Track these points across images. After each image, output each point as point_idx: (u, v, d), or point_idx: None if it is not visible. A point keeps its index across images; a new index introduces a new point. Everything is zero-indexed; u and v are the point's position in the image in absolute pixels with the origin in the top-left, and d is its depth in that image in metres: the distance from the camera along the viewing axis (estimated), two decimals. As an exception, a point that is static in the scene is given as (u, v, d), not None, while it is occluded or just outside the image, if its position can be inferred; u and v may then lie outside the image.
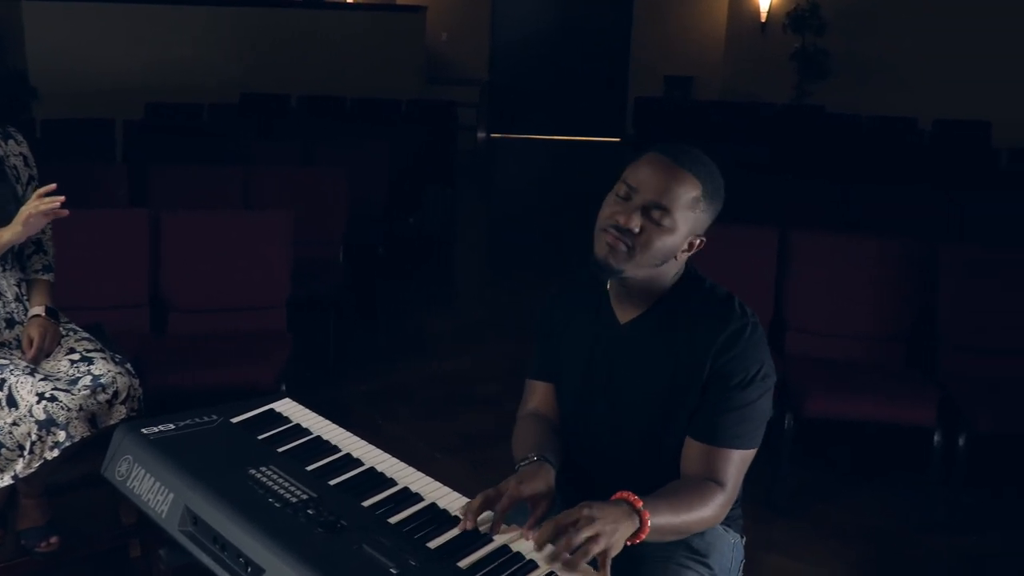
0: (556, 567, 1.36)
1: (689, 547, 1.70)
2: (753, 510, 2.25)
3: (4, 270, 2.27)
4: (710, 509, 1.55)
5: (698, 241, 1.64)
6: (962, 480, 3.09)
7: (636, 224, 1.57)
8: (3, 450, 2.06)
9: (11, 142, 2.35)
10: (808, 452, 3.39)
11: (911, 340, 3.43)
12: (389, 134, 6.34)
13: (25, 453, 2.05)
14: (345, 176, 4.53)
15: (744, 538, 1.86)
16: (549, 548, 1.38)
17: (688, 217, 1.59)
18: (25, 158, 2.36)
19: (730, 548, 1.79)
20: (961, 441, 3.01)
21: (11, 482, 2.08)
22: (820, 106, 9.23)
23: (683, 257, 1.64)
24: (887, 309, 3.42)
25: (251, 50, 9.55)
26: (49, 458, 2.05)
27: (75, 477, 2.68)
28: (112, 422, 2.16)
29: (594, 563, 1.36)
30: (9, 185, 2.26)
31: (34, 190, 2.37)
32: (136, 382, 2.21)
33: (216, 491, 1.53)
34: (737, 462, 1.60)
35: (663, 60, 12.28)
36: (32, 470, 2.06)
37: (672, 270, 1.66)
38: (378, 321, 5.13)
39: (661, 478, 1.62)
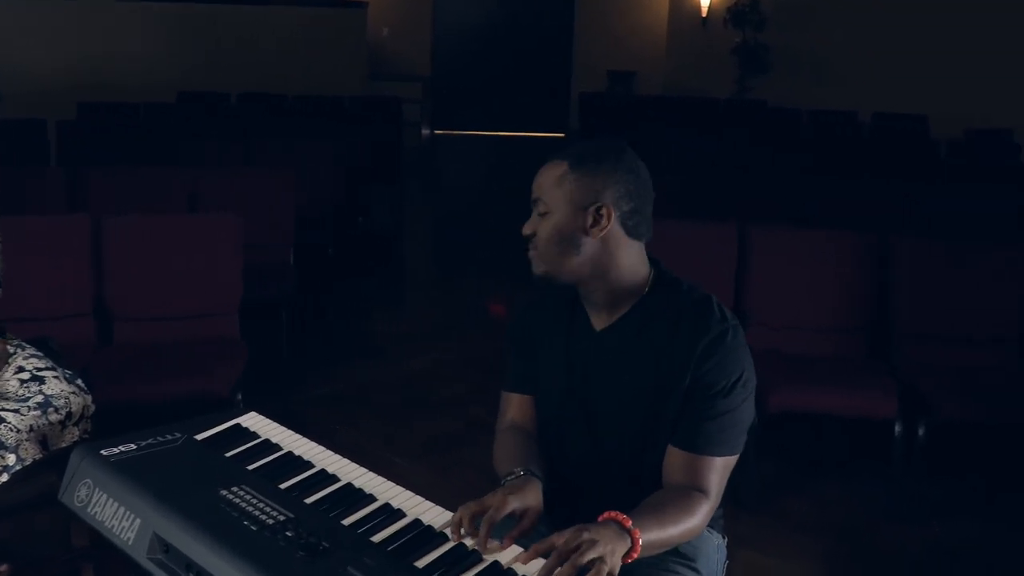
0: None
1: (677, 552, 1.66)
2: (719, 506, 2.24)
3: (-57, 283, 2.14)
4: (697, 519, 1.52)
5: (604, 210, 1.57)
6: (924, 469, 3.13)
7: (531, 228, 1.63)
8: (-53, 475, 1.94)
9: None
10: (771, 446, 3.40)
11: (870, 332, 3.47)
12: (334, 132, 6.23)
13: (-29, 478, 1.93)
14: (293, 177, 4.42)
15: (726, 538, 1.84)
16: (550, 566, 1.31)
17: (557, 194, 1.59)
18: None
19: (715, 550, 1.77)
20: (921, 431, 3.04)
21: (-44, 509, 1.96)
22: (762, 100, 9.35)
23: (596, 233, 1.58)
24: (846, 302, 3.45)
25: (188, 47, 9.32)
26: (-4, 483, 1.94)
27: (21, 499, 2.55)
28: (64, 444, 2.04)
29: None
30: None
31: None
32: (89, 399, 2.10)
33: (187, 515, 1.44)
34: (720, 469, 1.57)
35: (606, 55, 12.32)
36: (-20, 495, 1.95)
37: (617, 258, 1.60)
38: (330, 324, 5.03)
39: (644, 485, 1.59)
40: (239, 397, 3.05)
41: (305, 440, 1.79)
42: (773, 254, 3.51)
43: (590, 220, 1.58)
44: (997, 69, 8.96)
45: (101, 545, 2.46)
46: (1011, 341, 3.40)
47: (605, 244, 1.59)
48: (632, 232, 1.60)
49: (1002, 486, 3.44)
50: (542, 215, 1.60)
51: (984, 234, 3.97)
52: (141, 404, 2.90)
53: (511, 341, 1.81)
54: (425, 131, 11.90)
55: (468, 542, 1.42)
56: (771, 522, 3.11)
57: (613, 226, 1.58)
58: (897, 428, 3.07)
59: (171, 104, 7.77)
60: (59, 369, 2.14)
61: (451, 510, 1.50)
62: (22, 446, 1.94)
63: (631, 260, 1.62)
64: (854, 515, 3.20)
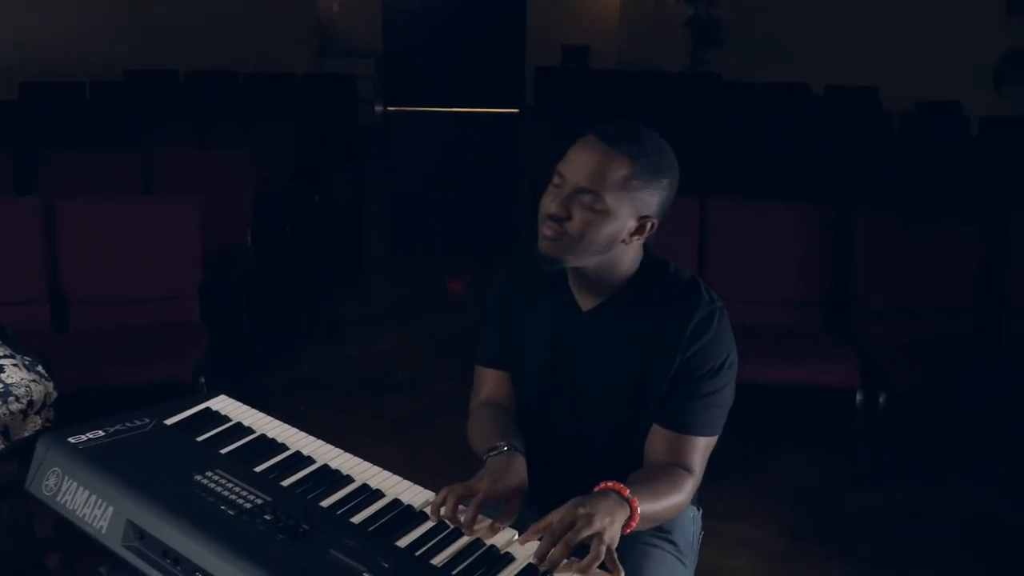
0: (568, 573, 1.29)
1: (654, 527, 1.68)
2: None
3: None
4: (683, 495, 1.53)
5: (649, 224, 1.55)
6: (883, 437, 3.20)
7: (564, 211, 1.50)
8: (-94, 468, 1.88)
9: None
10: (734, 418, 3.43)
11: (830, 305, 3.52)
12: (287, 110, 6.14)
13: (-69, 470, 1.88)
14: (250, 158, 4.34)
15: (700, 510, 1.86)
16: (542, 550, 1.30)
17: (623, 198, 1.50)
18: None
19: (691, 521, 1.79)
20: (881, 400, 3.11)
21: (-84, 502, 1.91)
22: (717, 74, 9.40)
23: (635, 241, 1.56)
24: (806, 275, 3.50)
25: (132, 23, 9.05)
26: (-41, 474, 1.89)
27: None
28: (26, 434, 2.00)
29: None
30: None
31: None
32: (51, 387, 2.05)
33: (161, 501, 1.42)
34: (703, 448, 1.59)
35: (559, 30, 12.29)
36: (-60, 488, 1.90)
37: (628, 256, 1.59)
38: (290, 307, 4.97)
39: (626, 465, 1.59)
40: (202, 381, 3.01)
41: (278, 422, 1.77)
42: (733, 228, 3.53)
43: (634, 228, 1.54)
44: (945, 42, 9.10)
45: (66, 534, 2.43)
46: (966, 312, 3.47)
47: (628, 245, 1.57)
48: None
49: (955, 451, 3.54)
50: (590, 209, 1.49)
51: (938, 207, 4.04)
52: (102, 390, 2.84)
53: (488, 316, 1.77)
54: (378, 108, 11.77)
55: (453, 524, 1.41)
56: (739, 491, 3.16)
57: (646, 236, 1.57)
58: (858, 398, 3.13)
59: (118, 82, 7.57)
60: (18, 357, 2.09)
61: (432, 491, 1.50)
62: (-17, 436, 1.90)
63: (635, 252, 1.61)
64: (816, 482, 3.27)
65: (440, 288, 5.59)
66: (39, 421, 2.03)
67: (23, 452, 2.05)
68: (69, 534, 2.33)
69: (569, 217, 1.50)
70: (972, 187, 4.57)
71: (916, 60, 9.04)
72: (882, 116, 7.00)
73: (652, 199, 1.54)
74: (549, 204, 1.52)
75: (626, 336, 1.61)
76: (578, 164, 1.51)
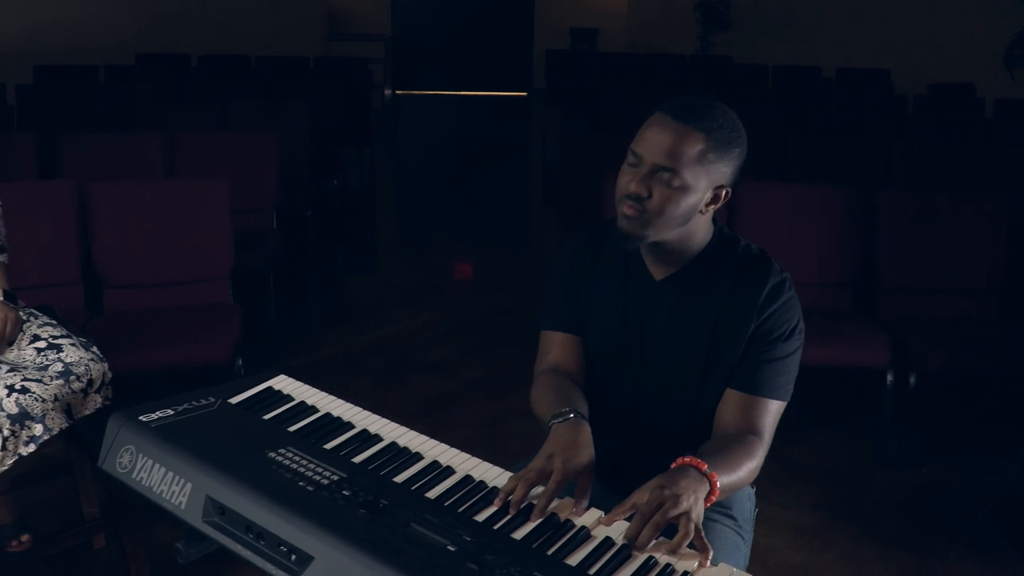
0: (657, 553, 1.31)
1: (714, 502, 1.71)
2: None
3: (-47, 252, 2.09)
4: (756, 461, 1.56)
5: (724, 193, 1.60)
6: (912, 417, 3.24)
7: (644, 190, 1.55)
8: (-29, 447, 1.90)
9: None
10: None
11: (856, 285, 3.54)
12: (303, 93, 6.13)
13: (-3, 449, 1.90)
14: (273, 140, 4.35)
15: (755, 487, 1.89)
16: (633, 531, 1.33)
17: (699, 172, 1.55)
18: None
19: (748, 498, 1.82)
20: (912, 380, 3.13)
21: (-19, 481, 1.94)
22: (727, 56, 9.38)
23: (710, 211, 1.61)
24: (831, 256, 3.52)
25: (143, 8, 9.04)
26: (24, 454, 1.90)
27: (27, 471, 2.52)
28: (87, 412, 2.02)
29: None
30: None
31: None
32: (106, 366, 2.07)
33: (240, 478, 1.44)
34: (774, 413, 1.63)
35: (567, 12, 12.25)
36: (5, 468, 1.92)
37: (703, 226, 1.64)
38: (312, 289, 4.99)
39: (691, 433, 1.63)
40: (239, 363, 3.03)
41: (340, 401, 1.80)
42: (759, 210, 3.55)
43: (709, 199, 1.58)
44: (957, 24, 9.09)
45: (112, 515, 2.45)
46: (991, 292, 3.50)
47: (704, 216, 1.61)
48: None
49: (984, 431, 3.57)
50: (669, 186, 1.54)
51: (955, 188, 4.06)
52: (140, 373, 2.86)
53: (556, 282, 1.80)
54: (387, 91, 11.74)
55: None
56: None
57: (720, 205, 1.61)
58: (889, 378, 3.16)
59: (130, 66, 7.55)
60: (74, 336, 2.11)
61: (492, 465, 1.53)
62: (48, 415, 1.92)
63: (708, 223, 1.65)
64: (845, 462, 3.30)
65: (448, 272, 5.62)
66: (99, 400, 2.05)
67: (71, 433, 2.07)
68: (114, 514, 2.37)
69: (649, 195, 1.54)
70: (988, 169, 4.59)
71: (929, 42, 9.03)
72: (895, 99, 6.99)
73: (726, 169, 1.58)
74: (628, 184, 1.56)
75: (700, 304, 1.65)
76: (653, 143, 1.54)
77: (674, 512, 1.32)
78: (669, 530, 1.34)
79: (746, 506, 1.79)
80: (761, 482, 3.08)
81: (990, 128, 5.77)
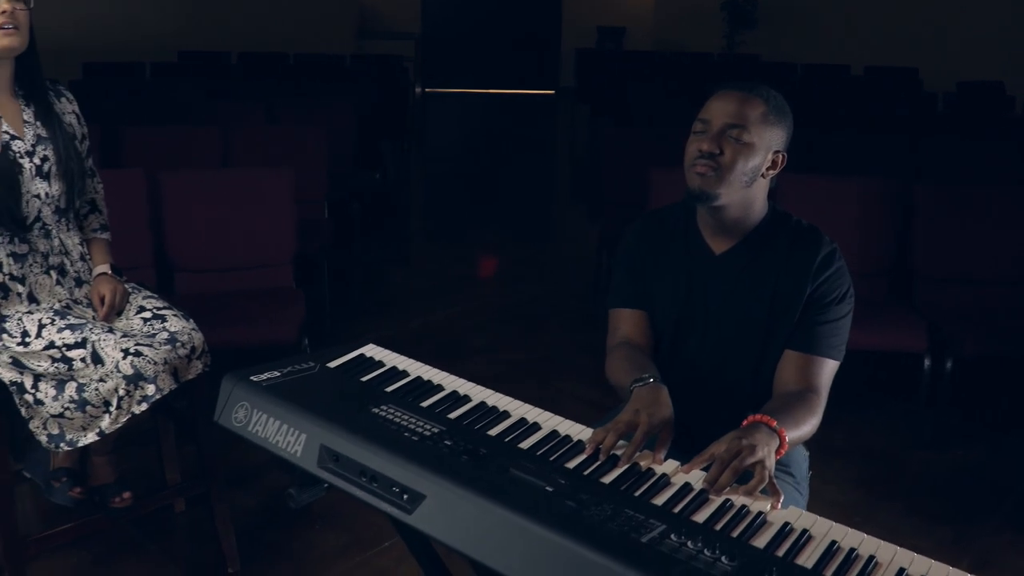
0: (733, 496, 1.44)
1: (773, 460, 1.85)
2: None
3: (67, 229, 2.26)
4: (817, 418, 1.71)
5: (780, 157, 1.77)
6: (947, 401, 3.36)
7: (717, 147, 1.72)
8: (88, 407, 2.07)
9: (63, 100, 2.33)
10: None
11: (891, 274, 3.67)
12: (342, 90, 6.30)
13: (112, 409, 2.07)
14: (322, 134, 4.52)
15: (808, 452, 2.03)
16: (713, 475, 1.46)
17: (763, 131, 1.74)
18: (77, 116, 2.35)
19: (803, 459, 1.96)
20: (948, 365, 3.26)
21: (96, 439, 2.10)
22: (755, 55, 9.49)
23: (770, 175, 1.78)
24: (868, 246, 3.64)
25: (184, 7, 9.26)
26: (137, 412, 2.07)
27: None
28: (191, 376, 2.19)
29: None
30: (69, 140, 2.24)
31: (87, 148, 2.35)
32: (202, 336, 2.24)
33: (351, 429, 1.59)
34: (830, 371, 1.77)
35: (595, 11, 12.38)
36: (119, 425, 2.09)
37: (761, 196, 1.80)
38: (355, 277, 5.16)
39: (757, 398, 1.76)
40: (305, 342, 3.20)
41: (427, 366, 1.95)
42: (795, 200, 3.66)
43: (769, 163, 1.76)
44: (985, 21, 9.15)
45: (194, 479, 2.62)
46: (1024, 280, 3.62)
47: (764, 181, 1.77)
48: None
49: (1019, 415, 3.69)
50: (738, 142, 1.71)
51: (986, 182, 4.16)
52: (216, 349, 3.02)
53: (621, 263, 1.96)
54: (417, 89, 11.92)
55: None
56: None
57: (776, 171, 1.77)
58: (926, 362, 3.29)
59: (174, 63, 7.76)
60: (174, 308, 2.28)
61: (575, 422, 1.67)
62: (159, 377, 2.09)
63: (764, 195, 1.81)
64: (883, 442, 3.43)
65: (483, 265, 5.78)
66: (199, 365, 2.21)
67: (159, 404, 2.23)
68: (205, 480, 2.53)
69: (721, 152, 1.72)
70: (1017, 164, 4.68)
71: (957, 41, 9.10)
72: (926, 96, 7.08)
73: (782, 134, 1.78)
74: (700, 144, 1.74)
75: (758, 273, 1.80)
76: (721, 108, 1.74)
77: (750, 460, 1.46)
78: (743, 478, 1.49)
79: (802, 466, 1.93)
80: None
81: (1019, 125, 5.86)
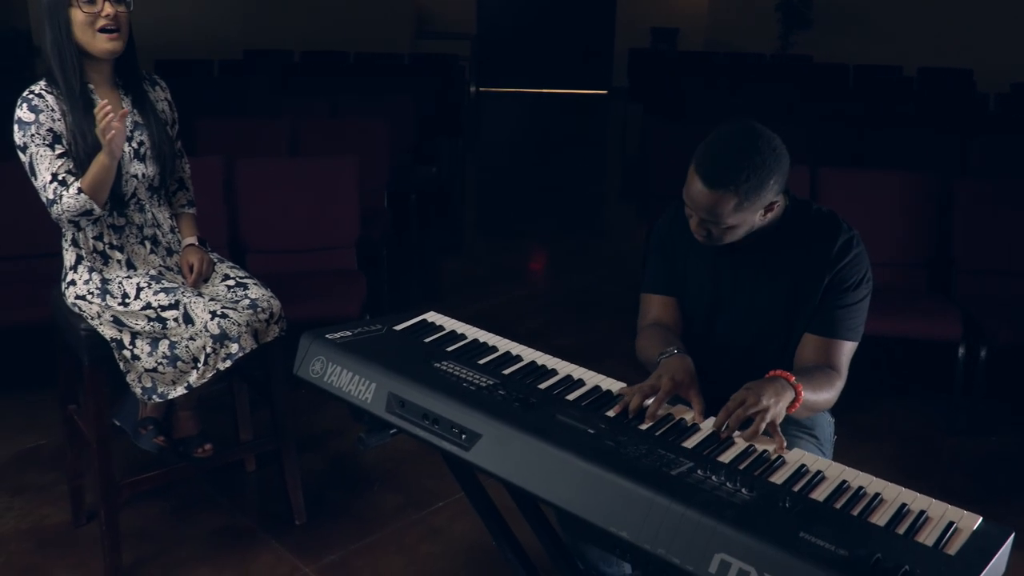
0: (740, 440, 1.62)
1: (797, 423, 2.00)
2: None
3: (159, 205, 2.50)
4: (834, 391, 1.86)
5: (774, 205, 1.85)
6: (982, 390, 3.46)
7: (704, 231, 1.86)
8: (179, 363, 2.30)
9: (157, 88, 2.58)
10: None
11: (931, 266, 3.77)
12: (403, 87, 6.54)
13: (199, 365, 2.30)
14: (386, 127, 4.74)
15: (834, 419, 2.18)
16: (720, 421, 1.64)
17: (741, 215, 1.79)
18: (169, 103, 2.59)
19: (828, 423, 2.11)
20: (983, 354, 3.36)
21: (184, 392, 2.34)
22: (808, 56, 9.53)
23: (768, 217, 1.86)
24: (908, 238, 3.76)
25: (248, 8, 9.64)
26: (222, 368, 2.31)
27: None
28: (269, 339, 2.41)
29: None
30: (162, 127, 2.49)
31: (177, 132, 2.59)
32: (280, 305, 2.46)
33: (416, 379, 1.79)
34: (848, 352, 1.92)
35: (648, 12, 12.49)
36: (205, 380, 2.32)
37: (771, 214, 1.88)
38: (411, 264, 5.39)
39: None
40: (368, 318, 3.41)
41: (484, 331, 2.14)
42: (838, 194, 3.79)
43: (764, 212, 1.85)
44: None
45: (264, 440, 2.84)
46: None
47: (765, 217, 1.88)
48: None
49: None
50: (726, 227, 1.81)
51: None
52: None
53: (653, 250, 2.12)
54: (471, 88, 12.16)
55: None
56: (846, 431, 3.45)
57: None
58: (960, 351, 3.40)
59: (240, 61, 8.09)
60: (254, 278, 2.51)
61: (616, 380, 1.85)
62: (243, 337, 2.32)
63: (779, 206, 1.92)
64: (917, 428, 3.55)
65: (534, 256, 5.98)
66: (276, 330, 2.44)
67: (234, 369, 2.45)
68: (267, 439, 2.75)
69: (710, 235, 1.86)
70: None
71: (1012, 42, 9.04)
72: (978, 97, 7.09)
73: (768, 194, 1.80)
74: (696, 229, 1.87)
75: (781, 261, 1.95)
76: (695, 201, 1.82)
77: (753, 409, 1.62)
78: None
79: (827, 429, 2.09)
80: (835, 443, 3.37)
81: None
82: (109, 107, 2.12)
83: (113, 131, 2.12)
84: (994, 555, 1.33)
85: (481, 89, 12.78)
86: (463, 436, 1.67)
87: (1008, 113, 6.54)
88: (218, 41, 8.91)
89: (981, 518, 1.42)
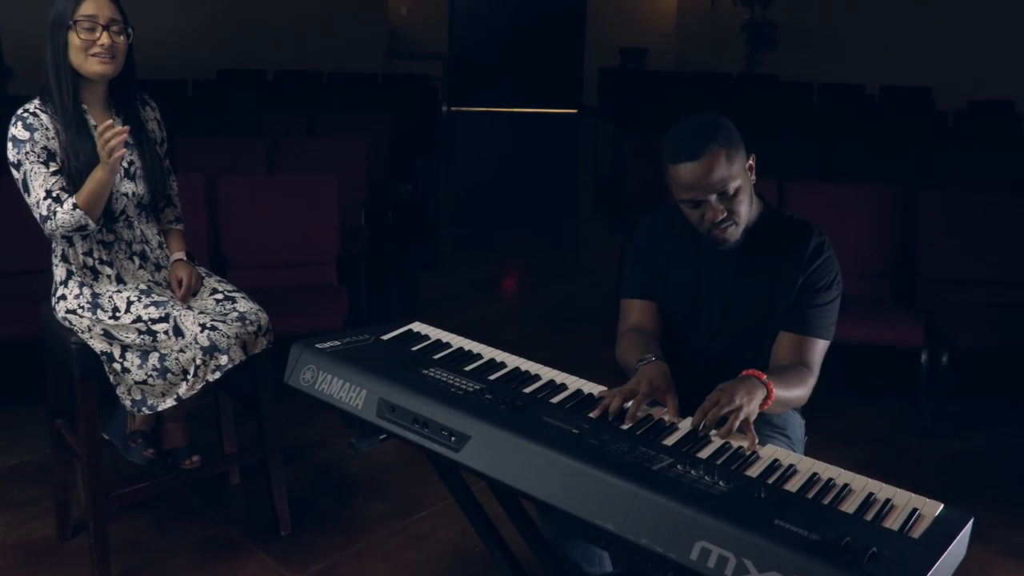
0: (711, 434, 1.71)
1: (770, 423, 2.10)
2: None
3: (148, 221, 2.56)
4: (806, 388, 1.96)
5: (751, 162, 1.99)
6: (945, 392, 3.59)
7: (724, 211, 1.94)
8: (169, 375, 2.35)
9: (147, 108, 2.63)
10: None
11: (895, 276, 3.91)
12: (378, 105, 6.62)
13: (189, 377, 2.35)
14: (363, 145, 4.82)
15: (804, 420, 2.28)
16: (696, 421, 1.73)
17: (735, 171, 1.92)
18: (159, 122, 2.65)
19: (799, 424, 2.21)
20: (945, 358, 3.49)
21: (173, 404, 2.39)
22: (774, 75, 9.74)
23: (752, 178, 2.01)
24: (873, 249, 3.89)
25: (218, 27, 9.69)
26: (211, 380, 2.36)
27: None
28: (257, 350, 2.47)
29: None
30: (154, 147, 2.55)
31: (165, 151, 2.65)
32: (267, 318, 2.52)
33: (405, 384, 1.86)
34: (821, 350, 2.02)
35: (617, 32, 12.69)
36: (195, 392, 2.37)
37: (754, 199, 2.04)
38: (389, 280, 5.46)
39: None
40: (354, 330, 3.47)
41: (469, 340, 2.22)
42: (806, 207, 3.90)
43: (750, 170, 1.99)
44: (997, 42, 9.36)
45: (249, 451, 2.88)
46: (1022, 282, 3.84)
47: (752, 186, 2.01)
48: None
49: (1013, 406, 3.92)
50: (733, 195, 1.92)
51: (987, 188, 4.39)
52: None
53: (634, 255, 2.21)
54: (443, 107, 12.27)
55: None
56: (810, 434, 3.56)
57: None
58: (923, 356, 3.53)
59: (214, 80, 8.13)
60: (242, 292, 2.57)
61: (597, 384, 1.93)
62: (231, 349, 2.37)
63: (758, 200, 2.06)
64: (884, 430, 3.67)
65: (510, 270, 6.08)
66: (264, 342, 2.49)
67: (220, 382, 2.50)
68: (254, 450, 2.80)
69: (733, 211, 1.95)
70: (1022, 173, 4.90)
71: (968, 61, 9.32)
72: (937, 115, 7.31)
73: (741, 146, 1.95)
74: (711, 216, 1.94)
75: (758, 264, 2.05)
76: (691, 185, 1.92)
77: (727, 408, 1.71)
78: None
79: (798, 430, 2.18)
80: (808, 445, 3.47)
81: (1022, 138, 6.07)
82: (112, 127, 2.18)
83: (119, 152, 2.18)
84: (954, 538, 1.42)
85: (453, 108, 12.90)
86: (452, 438, 1.74)
87: (965, 129, 6.75)
88: (191, 61, 8.95)
89: (943, 505, 1.51)
